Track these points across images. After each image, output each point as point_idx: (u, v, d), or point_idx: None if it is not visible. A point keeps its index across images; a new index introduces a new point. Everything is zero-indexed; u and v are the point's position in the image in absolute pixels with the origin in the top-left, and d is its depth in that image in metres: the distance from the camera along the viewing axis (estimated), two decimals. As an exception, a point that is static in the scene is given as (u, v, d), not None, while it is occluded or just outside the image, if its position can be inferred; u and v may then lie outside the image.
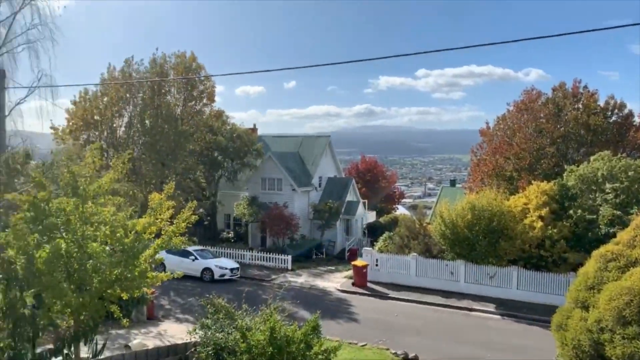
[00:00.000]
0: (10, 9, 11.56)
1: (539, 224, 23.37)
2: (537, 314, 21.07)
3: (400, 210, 59.82)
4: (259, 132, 45.15)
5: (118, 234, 9.69)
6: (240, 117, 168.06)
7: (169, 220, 10.49)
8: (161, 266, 25.82)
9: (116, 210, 10.22)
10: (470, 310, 22.48)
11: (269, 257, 30.87)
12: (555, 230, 23.00)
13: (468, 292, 24.40)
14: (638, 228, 12.60)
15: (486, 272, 24.25)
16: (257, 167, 37.34)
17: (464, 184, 44.49)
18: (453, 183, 50.31)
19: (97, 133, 32.88)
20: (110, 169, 10.99)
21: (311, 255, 35.00)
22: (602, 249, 12.61)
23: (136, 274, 9.57)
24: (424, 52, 10.59)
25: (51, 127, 31.91)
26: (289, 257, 30.42)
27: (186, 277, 25.66)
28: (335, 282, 27.13)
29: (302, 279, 27.80)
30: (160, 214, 10.26)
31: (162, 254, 10.84)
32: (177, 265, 26.15)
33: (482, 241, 23.84)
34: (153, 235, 10.28)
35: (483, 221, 23.68)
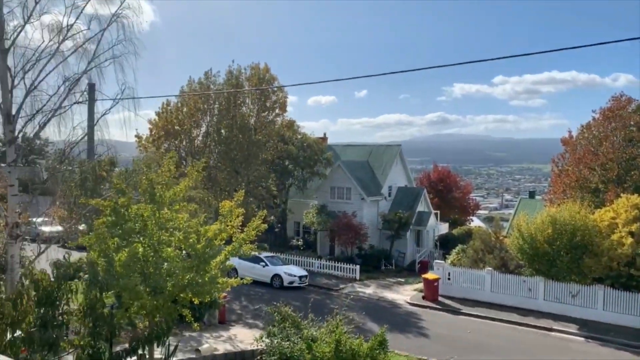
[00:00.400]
0: (99, 26, 12.40)
1: (629, 240, 21.54)
2: (627, 338, 19.44)
3: (475, 223, 57.64)
4: (329, 141, 45.46)
5: (191, 240, 10.04)
6: (311, 127, 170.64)
7: (240, 227, 10.73)
8: (233, 271, 26.64)
9: (190, 216, 10.60)
10: (550, 330, 21.09)
11: (337, 266, 30.82)
12: (649, 248, 21.09)
13: (547, 311, 22.95)
14: None
15: (568, 290, 22.69)
16: (327, 175, 37.55)
17: (544, 195, 42.17)
18: (532, 195, 47.82)
19: (176, 142, 34.59)
20: (186, 176, 11.44)
21: (380, 266, 34.54)
22: None
23: (206, 279, 9.85)
24: (500, 58, 10.13)
25: (136, 136, 34.03)
26: (357, 267, 30.20)
27: (257, 283, 26.26)
28: (404, 294, 26.54)
29: (370, 289, 27.46)
30: (230, 221, 10.51)
31: (234, 260, 11.13)
32: (248, 270, 26.87)
33: (563, 257, 22.36)
34: (223, 242, 10.55)
35: (565, 236, 22.24)
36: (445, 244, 39.12)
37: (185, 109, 34.86)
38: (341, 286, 27.77)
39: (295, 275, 27.20)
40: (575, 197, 29.31)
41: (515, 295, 24.10)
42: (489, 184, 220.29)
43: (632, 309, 21.29)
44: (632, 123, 29.61)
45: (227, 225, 10.48)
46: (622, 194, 24.52)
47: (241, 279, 10.99)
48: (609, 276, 22.29)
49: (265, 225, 11.04)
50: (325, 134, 44.27)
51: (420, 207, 40.12)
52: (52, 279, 7.94)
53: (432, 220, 40.49)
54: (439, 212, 44.98)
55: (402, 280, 30.53)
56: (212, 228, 10.28)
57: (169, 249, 10.02)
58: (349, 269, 30.24)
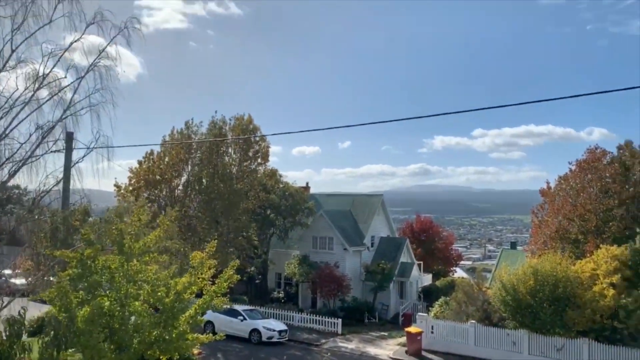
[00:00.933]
0: (76, 74, 12.37)
1: (611, 292, 21.40)
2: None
3: (459, 273, 57.24)
4: (312, 191, 45.41)
5: (159, 293, 9.61)
6: (295, 176, 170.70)
7: (211, 279, 10.33)
8: (209, 325, 25.73)
9: (159, 268, 10.20)
10: (536, 386, 20.48)
11: (319, 320, 29.94)
12: (630, 300, 20.92)
13: (532, 366, 22.37)
14: None
15: (553, 344, 22.24)
16: (309, 225, 37.21)
17: (525, 246, 42.19)
18: (514, 245, 47.90)
19: (156, 191, 34.17)
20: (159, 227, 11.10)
21: (363, 319, 33.71)
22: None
23: (174, 335, 9.34)
24: (477, 110, 10.27)
25: (115, 185, 33.55)
26: (339, 321, 29.37)
27: (234, 338, 25.31)
28: (387, 349, 25.74)
29: (352, 344, 26.60)
30: (201, 273, 10.13)
31: (210, 314, 10.67)
32: (225, 324, 25.94)
33: (546, 309, 22.07)
34: (194, 295, 10.11)
35: (547, 287, 22.03)
36: (429, 296, 38.55)
37: (167, 159, 34.70)
38: (322, 341, 26.87)
39: (274, 330, 26.30)
40: (555, 248, 29.32)
41: (500, 349, 23.54)
42: (471, 235, 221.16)
43: (618, 363, 20.86)
44: (607, 175, 30.13)
45: (198, 278, 10.08)
46: (601, 245, 24.57)
47: (214, 334, 10.46)
48: (592, 329, 21.96)
49: (238, 277, 10.65)
50: (307, 183, 44.30)
51: (403, 258, 39.77)
52: (5, 337, 7.42)
53: (415, 271, 40.06)
54: (422, 263, 44.61)
55: (386, 334, 29.72)
56: (182, 281, 9.87)
57: (137, 303, 9.56)
58: (331, 322, 29.39)
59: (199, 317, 10.19)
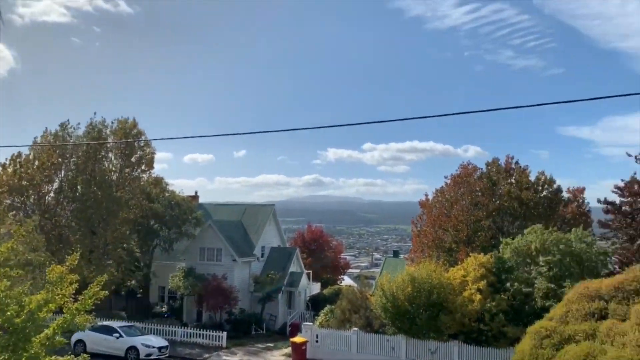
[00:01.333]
0: None
1: (478, 297, 23.25)
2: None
3: (346, 281, 58.85)
4: (204, 200, 44.14)
5: (8, 313, 8.50)
6: (186, 185, 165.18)
7: (73, 296, 9.39)
8: (80, 345, 23.66)
9: (12, 284, 9.05)
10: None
11: (203, 334, 28.88)
12: (493, 304, 22.90)
13: (409, 369, 23.52)
14: (570, 303, 12.59)
15: (427, 347, 23.59)
16: (196, 236, 35.97)
17: (407, 255, 44.55)
18: (396, 254, 50.27)
19: (22, 198, 30.86)
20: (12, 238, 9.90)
21: (250, 331, 33.20)
22: (537, 325, 12.45)
23: (24, 359, 8.30)
24: (366, 123, 10.60)
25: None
26: (224, 334, 28.57)
27: (109, 357, 23.49)
28: (272, 360, 25.56)
29: (236, 357, 26.01)
30: (61, 289, 9.16)
31: (81, 332, 9.62)
32: (99, 343, 24.07)
33: (422, 315, 23.36)
34: (51, 313, 9.11)
35: (423, 294, 23.33)
36: (317, 305, 39.07)
37: (37, 162, 31.53)
38: (205, 356, 25.94)
39: (153, 347, 24.85)
40: (432, 256, 31.30)
41: (380, 354, 24.43)
42: (360, 244, 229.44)
43: (483, 362, 22.64)
44: (477, 189, 32.95)
45: (57, 294, 9.10)
46: (470, 253, 26.68)
47: (86, 354, 9.47)
48: (462, 332, 23.66)
49: (106, 293, 9.79)
50: (196, 192, 42.90)
51: (293, 268, 39.97)
52: None
53: (304, 280, 40.42)
54: (311, 272, 45.15)
55: (272, 345, 29.50)
56: (36, 298, 8.84)
57: (-19, 325, 8.37)
58: (215, 336, 28.50)
59: (58, 337, 9.17)
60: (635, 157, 25.29)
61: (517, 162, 33.50)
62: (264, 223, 40.17)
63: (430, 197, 36.38)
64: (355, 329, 25.24)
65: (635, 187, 24.71)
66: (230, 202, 45.80)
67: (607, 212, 25.76)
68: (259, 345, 29.28)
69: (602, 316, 11.40)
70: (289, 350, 26.13)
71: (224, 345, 27.97)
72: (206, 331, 28.91)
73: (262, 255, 39.65)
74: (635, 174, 25.36)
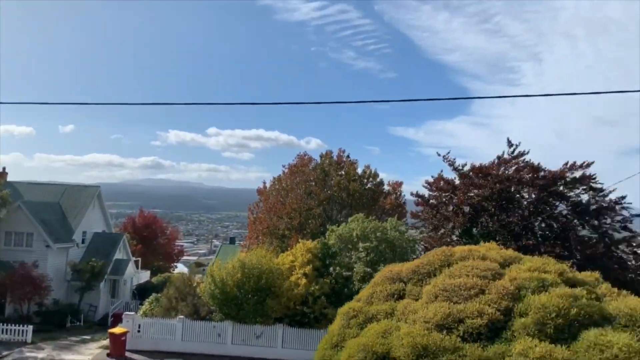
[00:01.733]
0: None
1: (304, 281, 24.34)
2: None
3: (180, 269, 56.96)
4: (16, 178, 38.84)
5: None
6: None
7: None
8: None
9: None
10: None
11: (3, 329, 25.40)
12: (317, 287, 24.19)
13: (236, 354, 23.67)
14: (375, 285, 13.79)
15: (253, 331, 24.02)
16: (1, 219, 31.46)
17: (243, 242, 44.82)
18: (232, 240, 50.39)
19: None
20: None
21: (65, 323, 30.24)
22: (346, 307, 13.39)
23: None
24: (204, 104, 10.16)
25: None
26: (29, 328, 25.43)
27: None
28: (86, 354, 23.53)
29: (44, 353, 23.37)
30: None
31: None
32: None
33: (250, 300, 23.68)
34: None
35: (252, 279, 23.64)
36: (144, 294, 37.13)
37: None
38: (4, 353, 22.81)
39: None
40: (266, 243, 31.96)
41: (206, 341, 24.15)
42: (199, 231, 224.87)
43: (305, 344, 23.75)
44: (311, 179, 34.47)
45: None
46: (300, 240, 27.82)
47: None
48: (287, 315, 24.57)
49: None
50: (4, 169, 37.38)
51: (119, 255, 37.43)
52: None
53: (131, 268, 38.12)
54: (140, 259, 42.80)
55: (89, 337, 27.27)
56: None
57: None
58: (19, 330, 25.27)
59: None
60: (444, 156, 28.77)
61: (348, 156, 35.81)
62: (87, 206, 36.81)
63: (268, 185, 37.04)
64: (182, 316, 24.56)
65: (441, 182, 28.09)
66: (47, 182, 40.93)
67: (417, 204, 28.89)
68: (73, 339, 26.83)
69: (401, 296, 12.71)
70: (107, 342, 24.37)
71: (29, 340, 24.95)
72: (8, 325, 25.48)
73: (83, 241, 36.38)
74: (442, 171, 28.88)
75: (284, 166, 36.85)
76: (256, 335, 23.88)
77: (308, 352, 23.25)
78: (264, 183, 37.67)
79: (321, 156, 35.56)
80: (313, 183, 34.35)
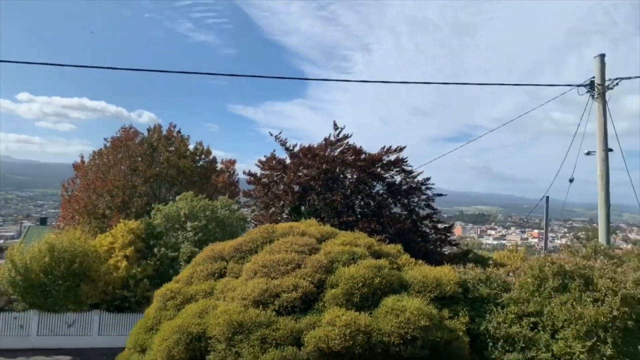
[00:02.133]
0: None
1: (124, 263, 22.77)
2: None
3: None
4: None
5: None
6: None
7: None
8: None
9: None
10: (41, 367, 19.51)
11: None
12: (139, 269, 22.85)
13: (41, 347, 21.25)
14: (196, 265, 13.40)
15: (64, 320, 21.78)
16: None
17: (56, 223, 40.21)
18: (44, 221, 44.80)
19: None
20: None
21: None
22: (163, 288, 12.75)
23: None
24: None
25: None
26: None
27: None
28: None
29: None
30: None
31: None
32: None
33: (61, 286, 21.37)
34: None
35: (63, 263, 21.34)
36: None
37: None
38: None
39: None
40: (83, 223, 29.09)
41: (5, 335, 21.24)
42: (6, 210, 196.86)
43: (126, 329, 22.28)
44: (137, 154, 32.17)
45: None
46: (123, 220, 25.88)
47: None
48: (105, 300, 22.79)
49: None
50: None
51: None
52: None
53: None
54: None
55: None
56: None
57: None
58: None
59: None
60: (276, 136, 29.19)
61: (179, 131, 34.22)
62: None
63: (86, 159, 33.64)
64: (-28, 309, 21.15)
65: (273, 162, 28.53)
66: None
67: (249, 182, 28.99)
68: None
69: (222, 275, 12.53)
70: None
71: None
72: None
73: None
74: (274, 151, 29.31)
75: (105, 139, 33.76)
76: (68, 324, 21.71)
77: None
78: (82, 157, 34.11)
79: (149, 130, 33.34)
80: (139, 159, 32.07)
